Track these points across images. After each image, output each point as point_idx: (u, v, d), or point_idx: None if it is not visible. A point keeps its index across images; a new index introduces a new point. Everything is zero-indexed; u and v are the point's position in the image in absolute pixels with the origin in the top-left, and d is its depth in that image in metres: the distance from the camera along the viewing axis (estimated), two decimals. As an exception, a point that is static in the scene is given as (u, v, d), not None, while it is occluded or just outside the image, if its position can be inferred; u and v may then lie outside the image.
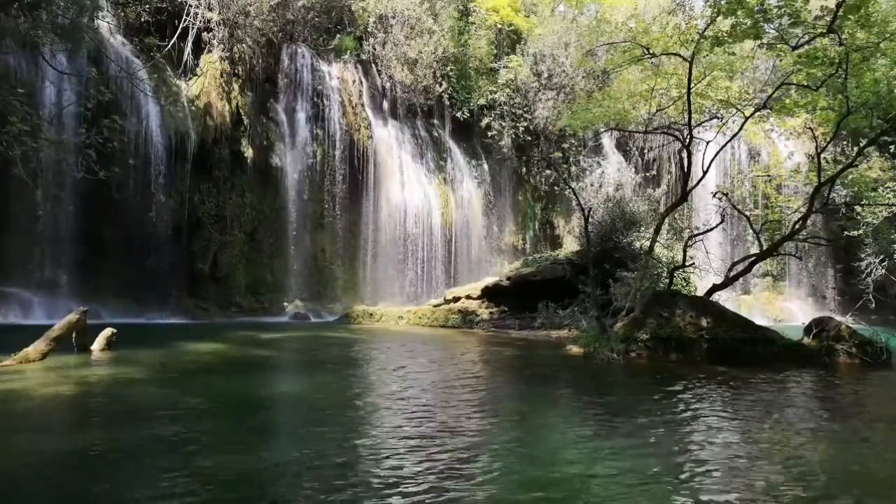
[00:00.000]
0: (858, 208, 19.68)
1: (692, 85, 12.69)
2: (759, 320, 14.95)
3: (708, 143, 13.95)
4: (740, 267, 13.83)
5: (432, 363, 10.13)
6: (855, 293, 22.49)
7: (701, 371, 9.11)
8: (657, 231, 13.92)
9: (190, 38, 19.32)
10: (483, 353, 11.49)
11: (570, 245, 24.17)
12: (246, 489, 3.87)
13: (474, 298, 18.61)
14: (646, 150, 27.99)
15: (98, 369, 8.27)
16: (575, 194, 14.90)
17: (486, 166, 26.16)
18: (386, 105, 24.18)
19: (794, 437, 5.46)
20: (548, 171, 26.38)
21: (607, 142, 27.96)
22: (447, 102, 25.18)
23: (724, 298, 17.38)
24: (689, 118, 12.99)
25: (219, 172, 19.45)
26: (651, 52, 13.38)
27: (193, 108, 18.95)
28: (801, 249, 21.46)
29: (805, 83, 12.48)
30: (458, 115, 25.23)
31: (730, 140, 15.00)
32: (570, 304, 16.38)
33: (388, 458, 4.51)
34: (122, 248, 17.08)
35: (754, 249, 17.83)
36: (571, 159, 26.46)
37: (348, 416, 5.95)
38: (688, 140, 13.53)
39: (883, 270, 21.14)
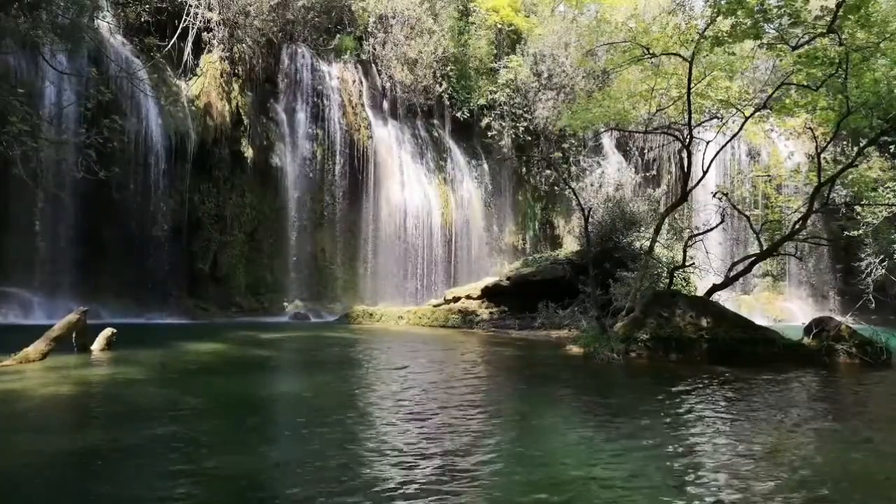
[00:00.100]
0: (858, 208, 19.69)
1: (692, 85, 12.68)
2: (759, 320, 14.94)
3: (708, 143, 13.95)
4: (740, 267, 13.82)
5: (432, 363, 10.13)
6: (855, 293, 22.49)
7: (701, 371, 9.11)
8: (657, 231, 13.92)
9: (190, 38, 19.32)
10: (483, 353, 11.49)
11: (570, 245, 24.18)
12: (246, 489, 3.87)
13: (474, 298, 18.61)
14: (646, 150, 28.00)
15: (98, 369, 8.27)
16: (575, 194, 14.89)
17: (486, 166, 26.17)
18: (386, 105, 24.18)
19: (796, 437, 5.46)
20: (548, 171, 26.39)
21: (607, 142, 27.96)
22: (447, 102, 25.19)
23: (724, 298, 17.38)
24: (689, 118, 12.99)
25: (219, 172, 19.46)
26: (651, 52, 13.37)
27: (193, 108, 18.95)
28: (801, 249, 21.47)
29: (805, 83, 12.48)
30: (458, 115, 25.24)
31: (730, 140, 15.00)
32: (570, 304, 16.38)
33: (388, 458, 4.51)
34: (122, 248, 17.09)
35: (754, 249, 17.84)
36: (571, 159, 26.46)
37: (348, 417, 5.95)
38: (688, 140, 13.53)
39: (883, 270, 21.14)
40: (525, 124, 25.95)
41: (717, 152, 14.26)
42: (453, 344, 12.97)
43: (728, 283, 13.12)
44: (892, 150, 20.87)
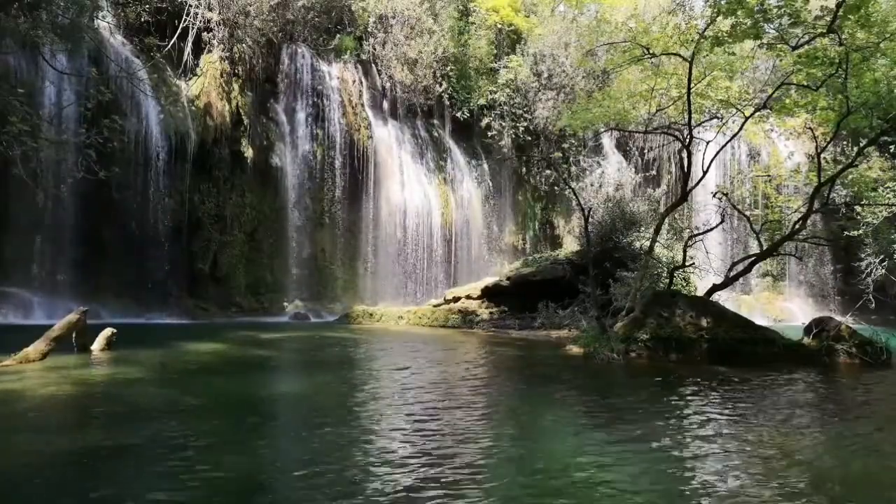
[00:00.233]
0: (858, 208, 19.69)
1: (692, 85, 12.68)
2: (759, 320, 14.94)
3: (708, 143, 13.95)
4: (740, 267, 13.82)
5: (432, 363, 10.13)
6: (855, 293, 22.49)
7: (701, 371, 9.11)
8: (657, 231, 13.92)
9: (190, 38, 19.32)
10: (483, 354, 11.49)
11: (570, 245, 24.18)
12: (246, 489, 3.87)
13: (474, 298, 18.61)
14: (646, 150, 28.00)
15: (98, 369, 8.27)
16: (575, 194, 14.89)
17: (486, 166, 26.17)
18: (386, 105, 24.18)
19: (797, 438, 5.45)
20: (548, 171, 26.39)
21: (607, 142, 27.97)
22: (447, 102, 25.19)
23: (724, 298, 17.38)
24: (689, 118, 12.99)
25: (219, 172, 19.45)
26: (651, 52, 13.37)
27: (193, 108, 18.95)
28: (801, 249, 21.48)
29: (805, 83, 12.48)
30: (458, 115, 25.24)
31: (730, 140, 14.99)
32: (570, 304, 16.38)
33: (388, 459, 4.51)
34: (122, 248, 17.09)
35: (754, 249, 17.84)
36: (571, 159, 26.47)
37: (348, 417, 5.95)
38: (688, 140, 13.53)
39: (883, 270, 21.14)
40: (525, 124, 25.95)
41: (717, 152, 14.26)
42: (453, 344, 12.97)
43: (728, 283, 13.12)
44: (892, 150, 20.87)
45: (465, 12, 26.26)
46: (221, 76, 19.87)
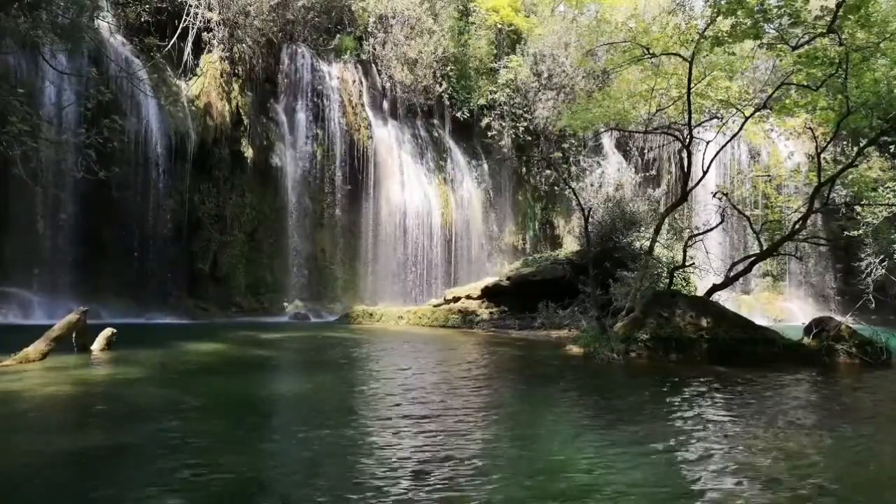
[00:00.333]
0: (858, 208, 19.69)
1: (692, 85, 12.68)
2: (759, 320, 14.94)
3: (708, 143, 13.95)
4: (740, 267, 13.82)
5: (432, 363, 10.13)
6: (855, 293, 22.49)
7: (701, 371, 9.11)
8: (657, 231, 13.92)
9: (190, 38, 19.32)
10: (483, 354, 11.48)
11: (570, 245, 24.18)
12: (247, 489, 3.86)
13: (474, 298, 18.61)
14: (646, 150, 28.01)
15: (98, 369, 8.27)
16: (575, 194, 14.89)
17: (486, 166, 26.18)
18: (386, 105, 24.19)
19: (798, 438, 5.45)
20: (548, 171, 26.39)
21: (607, 142, 27.97)
22: (447, 102, 25.20)
23: (724, 298, 17.38)
24: (689, 118, 12.99)
25: (219, 172, 19.46)
26: (651, 52, 13.37)
27: (193, 108, 18.95)
28: (801, 249, 21.47)
29: (805, 83, 12.48)
30: (458, 115, 25.24)
31: (730, 140, 15.00)
32: (570, 304, 16.38)
33: (388, 459, 4.51)
34: (122, 248, 17.10)
35: (754, 249, 17.84)
36: (571, 159, 26.47)
37: (348, 417, 5.95)
38: (688, 140, 13.53)
39: (883, 270, 21.15)
40: (525, 124, 25.96)
41: (717, 152, 14.26)
42: (453, 344, 12.97)
43: (728, 283, 13.11)
44: (892, 150, 20.88)
45: (465, 12, 26.27)
46: (221, 76, 19.87)
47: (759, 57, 16.74)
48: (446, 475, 4.11)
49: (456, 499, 3.70)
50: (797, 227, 13.10)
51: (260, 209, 20.53)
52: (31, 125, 11.77)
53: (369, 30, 23.63)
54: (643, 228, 17.84)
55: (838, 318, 13.49)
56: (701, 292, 13.88)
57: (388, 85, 23.98)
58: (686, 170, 14.17)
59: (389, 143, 23.57)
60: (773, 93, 13.80)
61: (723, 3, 11.48)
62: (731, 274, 13.15)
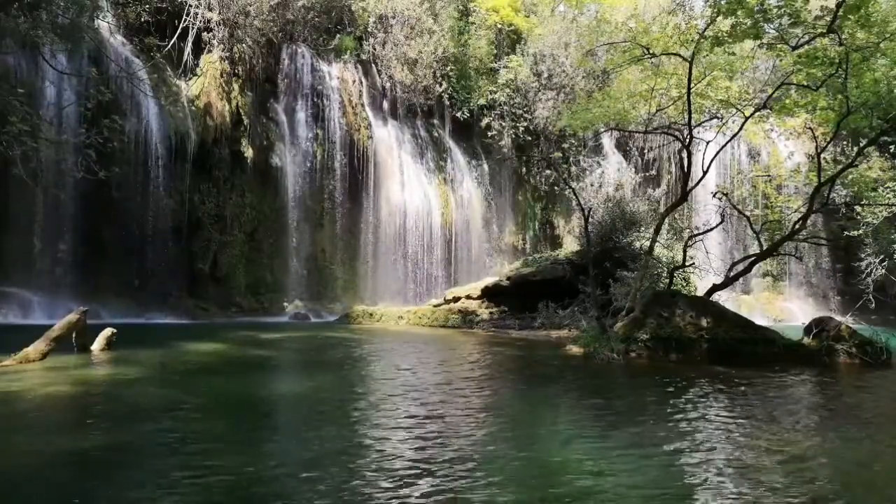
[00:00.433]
0: (858, 208, 19.68)
1: (692, 85, 12.68)
2: (759, 320, 14.94)
3: (708, 143, 13.95)
4: (740, 267, 13.82)
5: (433, 364, 10.13)
6: (855, 293, 22.49)
7: (701, 371, 9.11)
8: (657, 231, 13.92)
9: (190, 38, 19.32)
10: (483, 354, 11.48)
11: (570, 245, 24.18)
12: (247, 489, 3.86)
13: (474, 298, 18.61)
14: (646, 150, 28.01)
15: (98, 369, 8.27)
16: (575, 194, 14.89)
17: (486, 166, 26.17)
18: (386, 105, 24.19)
19: (799, 438, 5.46)
20: (548, 171, 26.39)
21: (607, 142, 27.97)
22: (447, 102, 25.19)
23: (724, 298, 17.37)
24: (689, 118, 12.99)
25: (219, 172, 19.46)
26: (651, 52, 13.37)
27: (193, 108, 18.95)
28: (801, 249, 21.47)
29: (805, 83, 12.48)
30: (458, 115, 25.24)
31: (730, 140, 15.00)
32: (570, 304, 16.38)
33: (388, 460, 4.51)
34: (122, 248, 17.09)
35: (754, 249, 17.84)
36: (571, 159, 26.47)
37: (349, 418, 5.95)
38: (688, 140, 13.53)
39: (883, 270, 21.14)
40: (525, 124, 25.95)
41: (717, 152, 14.26)
42: (453, 344, 12.97)
43: (728, 283, 13.11)
44: (892, 150, 20.87)
45: (465, 12, 26.26)
46: (221, 76, 19.87)
47: (759, 57, 16.74)
48: (448, 477, 4.11)
49: (458, 501, 3.70)
50: (797, 227, 13.10)
51: (260, 209, 20.53)
52: (31, 125, 11.77)
53: (369, 30, 23.62)
54: (643, 228, 17.84)
55: (838, 318, 13.49)
56: (701, 292, 13.88)
57: (388, 85, 23.98)
58: (686, 170, 14.17)
59: (389, 143, 23.57)
60: (773, 93, 13.79)
61: (723, 3, 11.48)
62: (731, 274, 13.15)
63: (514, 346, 12.50)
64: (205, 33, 19.69)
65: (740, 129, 14.47)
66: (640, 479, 4.18)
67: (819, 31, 11.48)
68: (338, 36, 23.44)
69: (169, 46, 18.72)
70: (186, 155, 18.49)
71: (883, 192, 18.99)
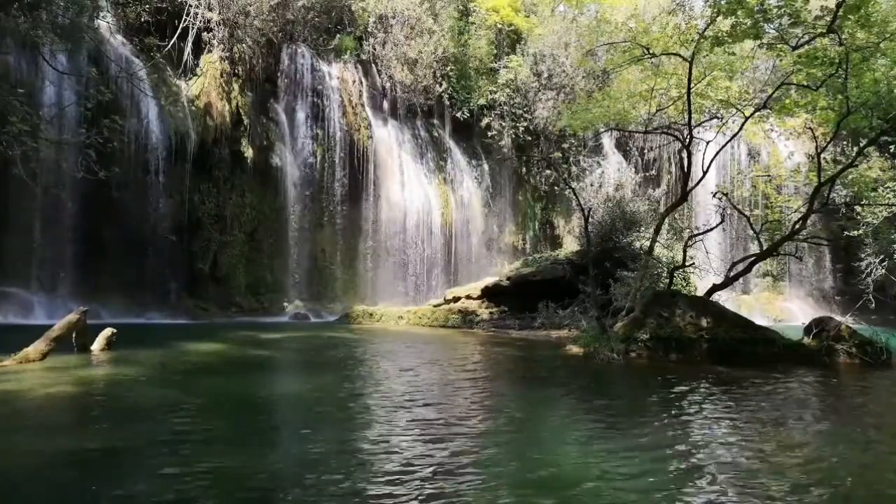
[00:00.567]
0: (858, 208, 19.67)
1: (692, 85, 12.68)
2: (759, 320, 14.94)
3: (708, 143, 13.95)
4: (740, 267, 13.82)
5: (432, 364, 10.13)
6: (855, 293, 22.49)
7: (701, 371, 9.11)
8: (657, 231, 13.92)
9: (190, 38, 19.32)
10: (483, 354, 11.49)
11: (570, 245, 24.18)
12: (247, 489, 3.86)
13: (474, 298, 18.61)
14: (646, 150, 28.01)
15: (98, 369, 8.27)
16: (575, 194, 14.90)
17: (486, 166, 26.17)
18: (386, 105, 24.18)
19: (800, 438, 5.46)
20: (548, 171, 26.39)
21: (607, 142, 27.97)
22: (447, 102, 25.19)
23: (724, 298, 17.38)
24: (689, 118, 12.99)
25: (219, 172, 19.45)
26: (651, 52, 13.37)
27: (193, 108, 18.95)
28: (801, 249, 21.46)
29: (805, 83, 12.48)
30: (458, 115, 25.23)
31: (730, 140, 15.00)
32: (570, 304, 16.38)
33: (388, 460, 4.51)
34: (122, 248, 17.08)
35: (754, 249, 17.83)
36: (571, 159, 26.47)
37: (349, 418, 5.95)
38: (688, 140, 13.53)
39: (883, 270, 21.14)
40: (525, 124, 25.95)
41: (717, 152, 14.26)
42: (453, 344, 12.97)
43: (728, 283, 13.12)
44: (892, 150, 20.87)
45: (465, 12, 26.26)
46: (221, 76, 19.87)
47: (759, 57, 16.73)
48: (449, 479, 4.11)
49: (458, 501, 3.70)
50: (797, 227, 13.10)
51: (260, 209, 20.53)
52: (31, 125, 11.76)
53: (369, 30, 23.62)
54: (643, 228, 17.85)
55: (838, 318, 13.49)
56: (701, 292, 13.88)
57: (388, 85, 23.98)
58: (686, 170, 14.18)
59: (389, 143, 23.56)
60: (773, 93, 13.79)
61: (723, 3, 11.48)
62: (731, 274, 13.15)
63: (515, 347, 12.50)
64: (205, 33, 19.69)
65: (740, 129, 14.47)
66: (644, 482, 4.16)
67: (819, 31, 11.48)
68: (338, 36, 23.44)
69: (169, 46, 18.72)
70: (186, 155, 18.49)
71: (883, 192, 18.99)
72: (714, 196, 14.91)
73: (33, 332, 8.97)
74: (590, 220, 13.92)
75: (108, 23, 18.17)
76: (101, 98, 13.53)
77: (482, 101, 25.46)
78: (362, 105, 23.10)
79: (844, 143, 20.53)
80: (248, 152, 20.11)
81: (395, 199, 23.01)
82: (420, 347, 12.33)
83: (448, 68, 24.56)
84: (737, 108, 14.25)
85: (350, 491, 3.80)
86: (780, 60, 15.35)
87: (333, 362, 10.00)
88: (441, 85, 24.45)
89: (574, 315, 15.69)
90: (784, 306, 25.79)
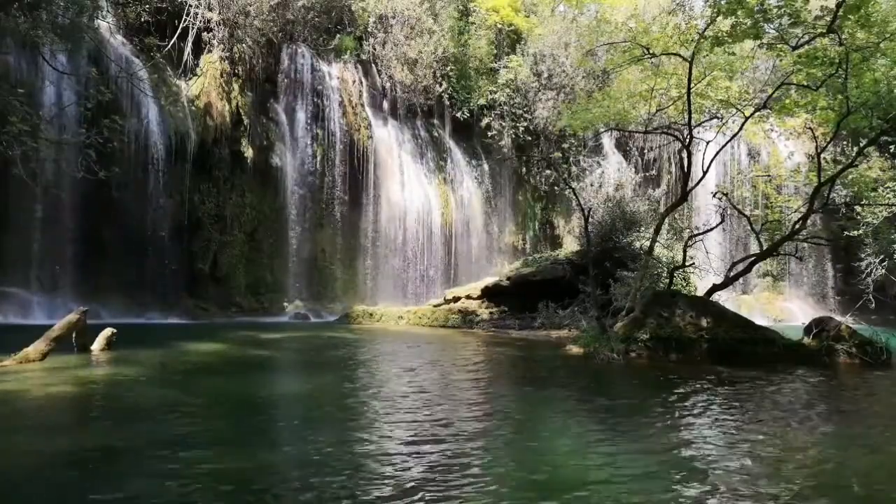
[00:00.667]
0: (858, 208, 19.68)
1: (692, 85, 12.68)
2: (759, 320, 14.94)
3: (708, 143, 13.95)
4: (740, 267, 13.82)
5: (432, 364, 10.13)
6: (855, 293, 22.50)
7: (701, 371, 9.10)
8: (657, 231, 13.92)
9: (190, 38, 19.32)
10: (484, 354, 11.49)
11: (570, 245, 24.18)
12: (247, 489, 3.86)
13: (474, 298, 18.61)
14: (646, 150, 28.01)
15: (98, 369, 8.27)
16: (575, 194, 14.90)
17: (486, 166, 26.17)
18: (386, 105, 24.19)
19: (800, 439, 5.45)
20: (548, 171, 26.39)
21: (607, 142, 27.97)
22: (447, 102, 25.19)
23: (724, 298, 17.38)
24: (689, 118, 12.99)
25: (219, 172, 19.46)
26: (651, 52, 13.37)
27: (193, 108, 18.95)
28: (801, 249, 21.44)
29: (805, 83, 12.48)
30: (458, 115, 25.23)
31: (730, 140, 15.00)
32: (570, 304, 16.38)
33: (388, 460, 4.51)
34: (122, 248, 17.08)
35: (754, 249, 17.84)
36: (571, 159, 26.47)
37: (349, 418, 5.95)
38: (688, 140, 13.53)
39: (883, 270, 21.15)
40: (525, 124, 25.95)
41: (717, 152, 14.26)
42: (454, 344, 12.97)
43: (728, 283, 13.12)
44: (892, 150, 20.88)
45: (465, 12, 26.26)
46: (221, 76, 19.87)
47: (759, 57, 16.73)
48: (448, 478, 4.10)
49: (457, 501, 3.70)
50: (797, 227, 13.10)
51: (260, 209, 20.53)
52: (31, 125, 11.76)
53: (369, 30, 23.62)
54: (643, 228, 17.85)
55: (838, 318, 13.49)
56: (701, 292, 13.88)
57: (388, 85, 23.98)
58: (686, 170, 14.18)
59: (389, 143, 23.56)
60: (773, 93, 13.79)
61: (723, 3, 11.48)
62: (731, 274, 13.15)
63: (515, 347, 12.50)
64: (205, 33, 19.69)
65: (740, 129, 14.47)
66: (647, 484, 4.15)
67: (819, 31, 11.48)
68: (338, 36, 23.44)
69: (169, 46, 18.72)
70: (186, 155, 18.49)
71: (883, 192, 19.00)
72: (714, 196, 14.92)
73: (33, 332, 8.97)
74: (590, 220, 13.92)
75: (108, 23, 18.17)
76: (101, 98, 13.53)
77: (482, 101, 25.46)
78: (362, 105, 23.11)
79: (844, 143, 20.54)
80: (248, 152, 20.11)
81: (395, 199, 23.01)
82: (420, 347, 12.33)
83: (448, 68, 24.56)
84: (737, 108, 14.25)
85: (350, 492, 3.80)
86: (780, 60, 15.36)
87: (334, 362, 10.00)
88: (441, 85, 24.45)
89: (574, 315, 15.69)
90: (784, 306, 25.79)
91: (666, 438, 5.24)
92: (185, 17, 19.07)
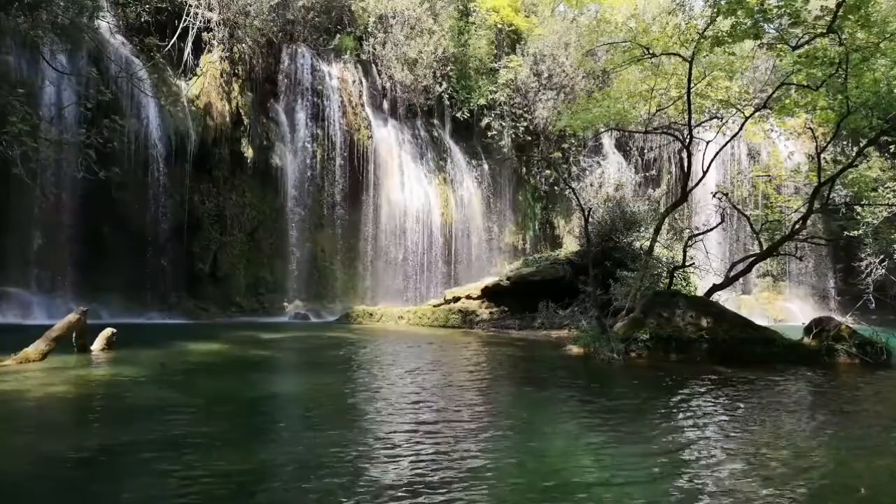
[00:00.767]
0: (858, 208, 19.69)
1: (692, 85, 12.68)
2: (759, 320, 14.93)
3: (708, 143, 13.95)
4: (740, 267, 13.83)
5: (432, 364, 10.12)
6: (855, 293, 22.50)
7: (701, 371, 9.10)
8: (657, 231, 13.92)
9: (190, 38, 19.33)
10: (483, 353, 11.48)
11: (570, 245, 24.18)
12: (246, 489, 3.86)
13: (474, 298, 18.61)
14: (646, 150, 28.02)
15: (98, 369, 8.27)
16: (575, 194, 14.91)
17: (486, 166, 26.18)
18: (386, 105, 24.19)
19: (801, 439, 5.45)
20: (548, 171, 26.41)
21: (607, 142, 27.98)
22: (447, 102, 25.20)
23: (724, 298, 17.35)
24: (689, 118, 12.99)
25: (219, 172, 19.46)
26: (651, 52, 13.38)
27: (193, 108, 18.95)
28: (801, 249, 21.47)
29: (805, 83, 12.48)
30: (458, 115, 25.24)
31: (730, 140, 14.99)
32: (570, 304, 16.39)
33: (388, 460, 4.51)
34: (123, 248, 17.09)
35: (754, 249, 17.84)
36: (571, 159, 26.49)
37: (349, 418, 5.95)
38: (688, 140, 13.53)
39: (883, 270, 21.16)
40: (525, 124, 25.96)
41: (717, 152, 14.26)
42: (453, 344, 12.96)
43: (728, 283, 13.12)
44: (892, 150, 20.87)
45: (465, 12, 26.26)
46: (221, 76, 19.87)
47: (759, 57, 16.78)
48: (447, 478, 4.10)
49: (458, 501, 3.70)
50: (797, 227, 13.10)
51: (260, 209, 20.53)
52: (31, 125, 11.78)
53: (369, 30, 23.63)
54: (643, 228, 17.85)
55: (838, 318, 13.47)
56: (701, 292, 13.88)
57: (388, 85, 23.98)
58: (686, 170, 14.18)
59: (389, 143, 23.57)
60: (773, 93, 13.80)
61: (723, 3, 11.48)
62: (731, 274, 13.16)
63: (515, 346, 12.49)
64: (205, 33, 19.70)
65: (740, 129, 14.47)
66: (651, 488, 4.14)
67: (819, 31, 11.49)
68: (338, 36, 23.44)
69: (169, 46, 18.73)
70: (186, 155, 18.50)
71: (883, 192, 19.02)
72: (714, 196, 14.91)
73: (33, 332, 8.97)
74: (590, 220, 13.92)
75: (108, 23, 18.16)
76: (101, 98, 13.56)
77: (482, 101, 25.47)
78: (362, 105, 23.11)
79: (844, 143, 20.57)
80: (248, 152, 20.12)
81: (395, 199, 23.02)
82: (420, 347, 12.33)
83: (448, 68, 24.56)
84: (737, 108, 14.26)
85: (351, 493, 3.80)
86: (780, 60, 15.38)
87: (334, 362, 10.00)
88: (441, 85, 24.45)
89: (574, 315, 15.69)
90: (784, 306, 25.79)
91: (667, 439, 5.23)
92: (185, 17, 19.07)
